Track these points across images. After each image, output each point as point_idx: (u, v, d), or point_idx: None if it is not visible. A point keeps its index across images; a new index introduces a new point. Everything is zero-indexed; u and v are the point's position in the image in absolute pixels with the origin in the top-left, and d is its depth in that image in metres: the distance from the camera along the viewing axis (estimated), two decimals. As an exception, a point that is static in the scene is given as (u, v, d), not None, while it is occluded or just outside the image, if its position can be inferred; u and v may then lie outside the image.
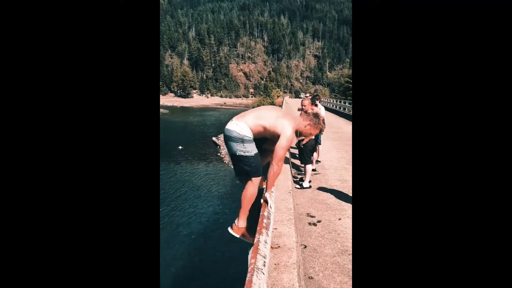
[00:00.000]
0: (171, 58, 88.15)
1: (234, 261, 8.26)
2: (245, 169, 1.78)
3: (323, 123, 2.01)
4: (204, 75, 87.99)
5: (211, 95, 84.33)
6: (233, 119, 1.85)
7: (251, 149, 1.77)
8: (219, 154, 20.71)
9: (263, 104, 20.83)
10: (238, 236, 1.88)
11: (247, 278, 1.07)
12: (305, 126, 1.89)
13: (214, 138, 23.88)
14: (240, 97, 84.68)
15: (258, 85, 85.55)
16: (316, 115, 1.94)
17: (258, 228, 1.48)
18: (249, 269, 1.13)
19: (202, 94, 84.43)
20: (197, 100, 75.94)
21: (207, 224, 10.97)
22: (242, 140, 1.76)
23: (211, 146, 22.98)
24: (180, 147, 21.57)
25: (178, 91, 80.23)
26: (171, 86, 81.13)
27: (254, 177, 1.78)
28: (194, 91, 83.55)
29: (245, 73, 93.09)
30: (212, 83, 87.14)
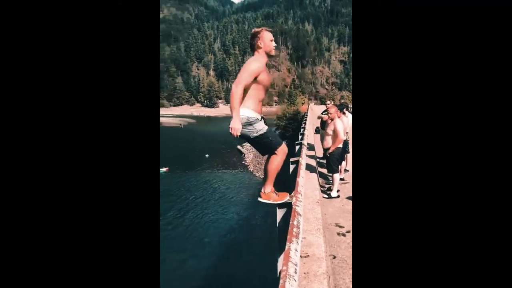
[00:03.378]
0: (198, 69, 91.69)
1: (257, 265, 8.22)
2: (267, 146, 1.90)
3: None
4: (229, 84, 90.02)
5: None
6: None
7: (262, 127, 1.87)
8: (244, 161, 20.90)
9: (288, 112, 20.80)
10: (269, 201, 1.98)
11: (280, 284, 1.12)
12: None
13: (239, 147, 24.19)
14: (264, 105, 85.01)
15: (282, 92, 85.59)
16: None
17: (288, 236, 1.52)
18: (281, 275, 1.17)
19: (227, 103, 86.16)
20: (222, 109, 77.74)
21: (232, 228, 11.06)
22: (251, 123, 1.85)
23: (236, 154, 23.28)
24: (206, 155, 22.15)
25: (205, 101, 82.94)
26: (198, 97, 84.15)
27: (277, 148, 1.89)
28: (220, 100, 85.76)
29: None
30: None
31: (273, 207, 2.04)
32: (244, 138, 1.91)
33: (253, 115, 1.87)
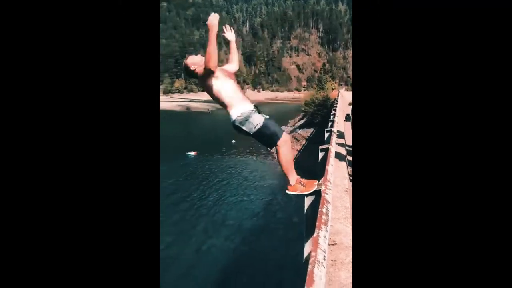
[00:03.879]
0: (226, 54, 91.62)
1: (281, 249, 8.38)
2: (269, 138, 1.80)
3: None
4: (257, 69, 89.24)
5: (263, 90, 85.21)
6: (230, 111, 1.84)
7: (258, 120, 1.79)
8: (268, 148, 20.96)
9: (317, 98, 20.17)
10: (297, 193, 1.92)
11: (308, 269, 1.13)
12: None
13: (265, 132, 24.15)
14: (292, 91, 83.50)
15: (312, 78, 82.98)
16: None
17: (317, 223, 1.52)
18: (310, 261, 1.19)
19: (255, 88, 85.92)
20: (249, 95, 77.24)
21: (254, 212, 11.31)
22: (247, 119, 1.78)
23: (263, 140, 23.36)
24: (233, 141, 22.53)
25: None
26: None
27: (280, 138, 1.79)
28: (247, 86, 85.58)
29: (298, 66, 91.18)
30: (265, 77, 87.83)
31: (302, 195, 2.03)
32: (246, 134, 1.86)
33: (245, 108, 1.81)
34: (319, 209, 1.72)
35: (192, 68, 1.88)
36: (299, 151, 17.97)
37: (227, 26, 2.04)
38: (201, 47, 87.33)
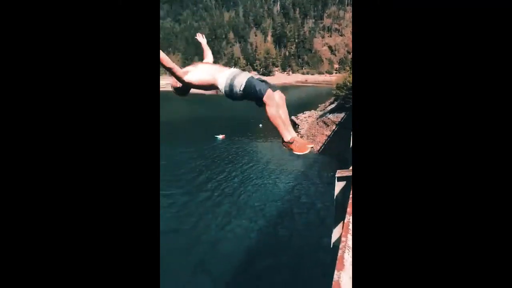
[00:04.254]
0: (256, 36, 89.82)
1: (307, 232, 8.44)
2: (255, 96, 1.75)
3: None
4: (287, 51, 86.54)
5: (293, 72, 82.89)
6: (218, 87, 1.85)
7: (242, 79, 1.76)
8: (298, 133, 20.68)
9: (349, 81, 19.18)
10: (289, 150, 1.86)
11: (339, 254, 1.15)
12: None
13: (293, 117, 23.79)
14: (323, 74, 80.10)
15: (345, 60, 78.60)
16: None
17: (348, 209, 1.51)
18: (341, 246, 1.21)
19: (284, 71, 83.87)
20: (278, 78, 76.16)
21: (279, 195, 11.43)
22: (231, 83, 1.76)
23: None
24: (260, 125, 22.55)
25: (261, 69, 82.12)
26: (255, 65, 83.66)
27: (264, 94, 1.73)
28: (276, 68, 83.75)
29: (330, 47, 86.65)
30: (295, 59, 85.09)
31: (328, 181, 1.99)
32: (235, 99, 1.84)
33: (226, 74, 1.80)
34: (350, 195, 1.68)
35: (177, 85, 1.95)
36: (329, 136, 17.49)
37: (199, 34, 2.25)
38: (230, 29, 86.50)
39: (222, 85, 1.81)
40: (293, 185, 12.47)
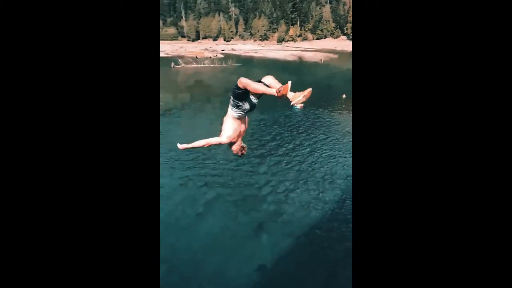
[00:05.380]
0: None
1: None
2: (234, 92, 2.68)
3: None
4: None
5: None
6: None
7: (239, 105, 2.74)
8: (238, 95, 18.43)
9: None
10: (283, 95, 2.48)
11: None
12: None
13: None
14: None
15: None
16: None
17: None
18: None
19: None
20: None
21: (350, 172, 10.92)
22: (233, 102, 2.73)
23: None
24: (343, 96, 21.07)
25: (351, 34, 73.43)
26: (345, 28, 75.28)
27: (236, 85, 2.62)
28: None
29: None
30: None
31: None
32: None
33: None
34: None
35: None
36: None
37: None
38: (322, -12, 78.42)
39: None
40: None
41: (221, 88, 24.15)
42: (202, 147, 2.74)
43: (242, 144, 2.85)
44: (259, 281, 6.25)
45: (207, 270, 6.48)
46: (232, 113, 2.75)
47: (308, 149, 13.07)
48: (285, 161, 11.85)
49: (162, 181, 9.48)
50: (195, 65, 35.55)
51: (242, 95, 2.62)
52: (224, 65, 36.82)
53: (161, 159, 11.07)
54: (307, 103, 19.63)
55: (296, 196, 9.45)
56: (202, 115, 17.10)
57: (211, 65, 36.39)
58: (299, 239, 7.52)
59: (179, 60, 36.32)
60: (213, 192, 9.44)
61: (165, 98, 19.76)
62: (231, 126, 2.75)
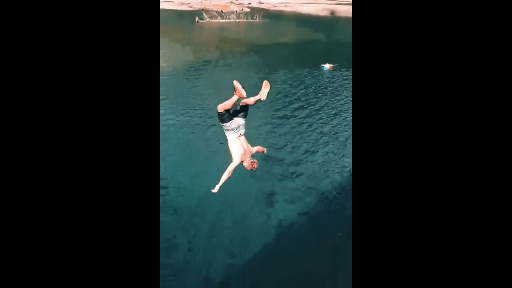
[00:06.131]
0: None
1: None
2: (221, 117, 3.28)
3: None
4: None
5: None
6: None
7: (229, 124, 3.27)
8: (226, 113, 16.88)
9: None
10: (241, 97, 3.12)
11: None
12: None
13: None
14: None
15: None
16: None
17: None
18: None
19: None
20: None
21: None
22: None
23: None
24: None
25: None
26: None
27: (218, 110, 3.27)
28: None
29: None
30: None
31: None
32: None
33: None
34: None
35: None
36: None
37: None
38: None
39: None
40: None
41: (247, 44, 23.14)
42: (228, 176, 3.21)
43: (252, 160, 3.24)
44: (277, 237, 6.55)
45: (226, 221, 6.89)
46: (230, 137, 3.24)
47: (333, 112, 12.59)
48: (308, 123, 11.60)
49: (187, 137, 9.81)
50: (220, 20, 33.95)
51: (227, 117, 3.18)
52: (250, 20, 34.76)
53: (186, 117, 11.32)
54: (339, 64, 18.38)
55: (316, 159, 9.40)
56: (227, 71, 16.76)
57: (237, 20, 34.55)
58: (317, 201, 7.65)
59: (204, 15, 34.78)
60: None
61: (189, 54, 19.45)
62: (236, 148, 3.22)
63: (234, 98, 3.07)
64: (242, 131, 3.21)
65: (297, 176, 8.56)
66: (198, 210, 7.07)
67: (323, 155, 9.61)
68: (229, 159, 3.32)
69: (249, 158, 3.21)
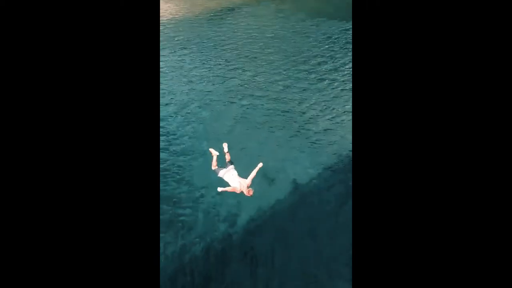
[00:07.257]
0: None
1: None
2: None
3: None
4: None
5: None
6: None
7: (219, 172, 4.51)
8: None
9: None
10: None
11: None
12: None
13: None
14: None
15: None
16: None
17: None
18: None
19: None
20: None
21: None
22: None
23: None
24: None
25: None
26: None
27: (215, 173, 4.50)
28: None
29: None
30: None
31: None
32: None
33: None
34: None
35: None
36: None
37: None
38: None
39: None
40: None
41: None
42: (234, 190, 4.27)
43: (248, 189, 4.20)
44: (295, 199, 6.71)
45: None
46: (225, 175, 4.38)
47: (348, 66, 11.88)
48: (328, 80, 11.19)
49: (205, 87, 9.90)
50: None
51: (218, 169, 4.50)
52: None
53: (213, 52, 11.21)
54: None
55: (333, 118, 9.34)
56: (251, 19, 15.89)
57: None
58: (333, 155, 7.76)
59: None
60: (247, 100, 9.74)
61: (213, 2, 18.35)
62: (232, 181, 4.29)
63: (214, 160, 4.54)
64: (233, 170, 4.35)
65: (316, 133, 8.59)
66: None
67: (343, 112, 9.45)
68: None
69: (245, 189, 4.15)
